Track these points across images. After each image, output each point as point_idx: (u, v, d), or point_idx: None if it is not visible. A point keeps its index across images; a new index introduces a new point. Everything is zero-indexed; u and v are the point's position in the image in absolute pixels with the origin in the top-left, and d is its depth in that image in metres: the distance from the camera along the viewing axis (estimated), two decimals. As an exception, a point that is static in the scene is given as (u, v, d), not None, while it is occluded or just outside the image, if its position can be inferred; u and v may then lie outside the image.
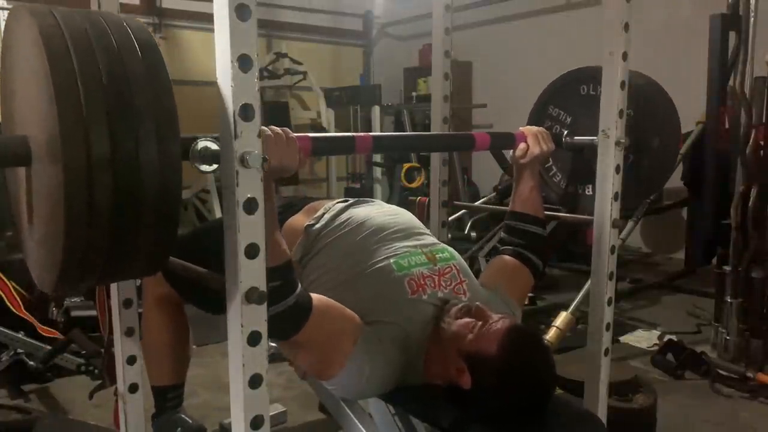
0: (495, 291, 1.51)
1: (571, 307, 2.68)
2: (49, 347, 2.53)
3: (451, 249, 1.55)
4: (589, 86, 1.94)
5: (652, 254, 5.23)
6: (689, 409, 2.51)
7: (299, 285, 1.17)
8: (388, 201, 4.82)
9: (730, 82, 3.09)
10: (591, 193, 1.54)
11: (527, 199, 1.63)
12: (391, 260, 1.40)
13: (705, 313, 3.53)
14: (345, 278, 1.38)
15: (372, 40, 7.33)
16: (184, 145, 0.91)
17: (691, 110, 3.56)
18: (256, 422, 0.93)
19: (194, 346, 1.84)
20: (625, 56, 1.45)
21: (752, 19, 2.94)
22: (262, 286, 0.90)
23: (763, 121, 2.80)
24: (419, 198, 3.83)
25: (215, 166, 0.93)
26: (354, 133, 1.29)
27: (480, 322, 1.26)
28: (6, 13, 4.57)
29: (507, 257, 1.60)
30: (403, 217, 1.57)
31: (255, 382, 0.91)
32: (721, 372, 2.72)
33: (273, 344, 1.90)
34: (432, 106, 2.00)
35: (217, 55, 0.86)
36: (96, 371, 2.46)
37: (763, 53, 2.83)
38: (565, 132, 1.69)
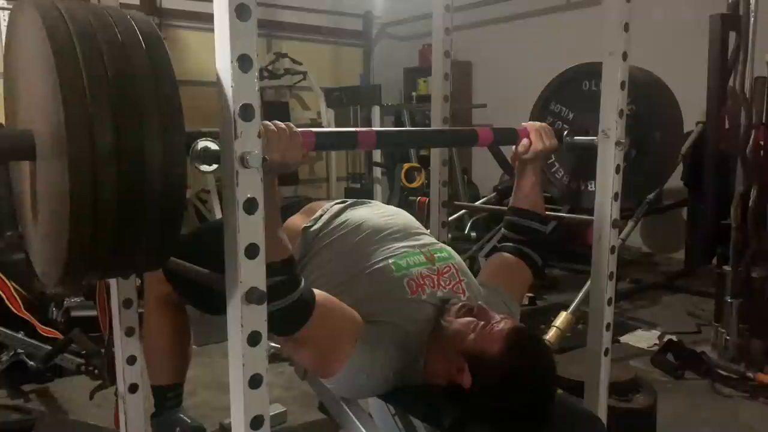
0: (494, 290, 1.51)
1: (571, 307, 2.69)
2: (49, 347, 2.53)
3: (449, 248, 1.55)
4: (591, 82, 1.94)
5: (652, 254, 5.23)
6: (689, 409, 2.51)
7: (303, 281, 1.17)
8: (388, 201, 4.83)
9: (730, 82, 3.09)
10: (594, 189, 1.54)
11: (528, 195, 1.62)
12: (390, 260, 1.40)
13: (705, 313, 3.53)
14: (344, 279, 1.38)
15: (372, 40, 7.33)
16: (189, 139, 0.91)
17: (691, 110, 3.56)
18: (256, 422, 0.93)
19: (194, 346, 1.84)
20: (625, 56, 1.45)
21: (752, 19, 2.94)
22: (262, 286, 0.90)
23: (763, 121, 2.80)
24: (419, 198, 3.83)
25: (215, 166, 0.93)
26: (357, 128, 1.29)
27: (482, 322, 1.26)
28: (6, 13, 4.57)
29: (506, 254, 1.60)
30: (402, 217, 1.57)
31: (255, 382, 0.91)
32: (721, 372, 2.72)
33: (273, 344, 1.90)
34: (432, 106, 2.00)
35: (217, 55, 0.86)
36: (96, 371, 2.46)
37: (763, 53, 2.84)
38: (566, 132, 1.69)
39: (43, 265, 1.04)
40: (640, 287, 4.30)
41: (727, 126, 3.20)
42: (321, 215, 1.55)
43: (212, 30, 0.87)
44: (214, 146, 0.92)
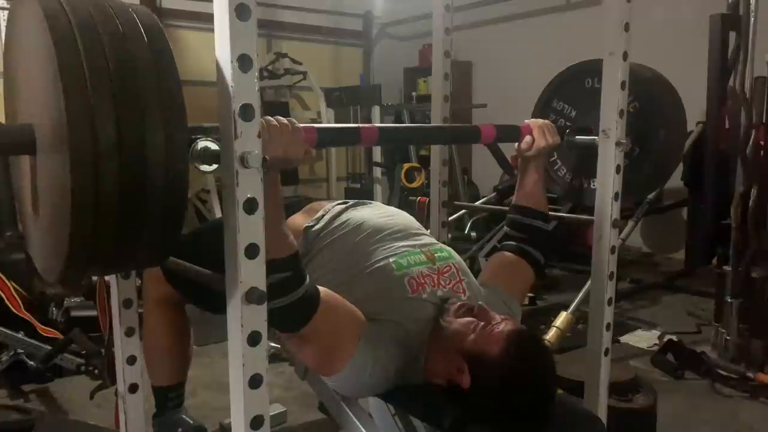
0: (494, 289, 1.51)
1: (571, 307, 2.69)
2: (49, 347, 2.53)
3: (449, 248, 1.55)
4: (594, 79, 1.93)
5: (652, 254, 5.23)
6: (689, 409, 2.51)
7: (308, 277, 1.17)
8: (389, 201, 4.83)
9: (730, 82, 3.09)
10: (595, 186, 1.54)
11: (531, 193, 1.62)
12: (391, 260, 1.40)
13: (705, 313, 3.53)
14: (344, 278, 1.38)
15: (372, 40, 7.32)
16: (190, 133, 0.91)
17: (691, 110, 3.55)
18: (256, 422, 0.93)
19: (194, 346, 1.84)
20: (625, 56, 1.45)
21: (752, 19, 2.93)
22: (262, 286, 0.90)
23: (763, 121, 2.80)
24: (419, 198, 3.83)
25: (215, 166, 0.92)
26: (359, 124, 1.29)
27: (482, 323, 1.26)
28: (6, 13, 4.57)
29: (507, 253, 1.60)
30: (402, 218, 1.57)
31: (255, 382, 0.91)
32: (721, 372, 2.72)
33: (273, 344, 1.90)
34: (432, 106, 2.00)
35: (217, 55, 0.86)
36: (96, 371, 2.46)
37: (763, 53, 2.84)
38: (567, 131, 1.68)
39: (43, 261, 1.03)
40: (640, 287, 4.30)
41: (727, 126, 3.20)
42: (323, 215, 1.55)
43: (212, 30, 0.87)
44: (214, 146, 0.92)
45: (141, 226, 0.89)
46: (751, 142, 2.78)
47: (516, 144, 1.58)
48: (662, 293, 4.20)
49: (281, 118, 1.06)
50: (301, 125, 1.10)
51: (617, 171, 1.48)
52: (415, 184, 4.28)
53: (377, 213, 1.56)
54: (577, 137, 1.66)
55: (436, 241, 1.57)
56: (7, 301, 2.73)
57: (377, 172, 5.50)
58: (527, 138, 1.55)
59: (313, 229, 1.51)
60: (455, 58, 2.11)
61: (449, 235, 2.11)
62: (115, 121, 0.82)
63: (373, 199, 4.82)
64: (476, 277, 1.57)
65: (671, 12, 4.74)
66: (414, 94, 6.45)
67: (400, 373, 1.30)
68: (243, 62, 0.84)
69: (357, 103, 5.81)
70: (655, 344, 3.13)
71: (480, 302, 1.34)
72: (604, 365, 1.54)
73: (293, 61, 5.99)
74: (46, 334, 2.68)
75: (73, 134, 0.80)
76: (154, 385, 1.74)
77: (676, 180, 3.74)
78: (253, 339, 0.90)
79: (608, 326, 1.54)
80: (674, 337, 3.10)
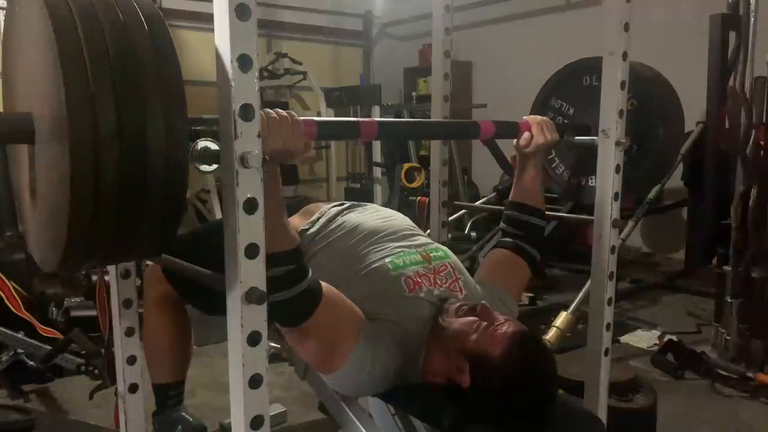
0: (492, 288, 1.51)
1: (571, 307, 2.69)
2: (49, 347, 2.53)
3: (445, 248, 1.55)
4: (592, 77, 1.92)
5: (652, 254, 5.23)
6: (689, 409, 2.51)
7: (310, 271, 1.17)
8: (389, 201, 4.83)
9: (730, 82, 3.09)
10: (594, 184, 1.53)
11: (528, 189, 1.62)
12: (387, 260, 1.40)
13: (705, 313, 3.53)
14: (341, 281, 1.38)
15: (372, 40, 7.33)
16: (191, 124, 0.90)
17: (691, 110, 3.56)
18: (256, 422, 0.93)
19: (194, 346, 1.84)
20: (625, 56, 1.45)
21: (752, 19, 2.94)
22: (262, 286, 0.90)
23: (763, 121, 2.80)
24: (419, 198, 3.83)
25: (215, 166, 0.92)
26: (359, 119, 1.29)
27: (484, 323, 1.26)
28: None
29: (503, 250, 1.60)
30: (397, 219, 1.58)
31: (255, 382, 0.91)
32: (721, 372, 2.72)
33: (273, 344, 1.90)
34: (432, 106, 2.00)
35: (217, 55, 0.86)
36: (96, 371, 2.46)
37: (763, 53, 2.84)
38: (565, 129, 1.68)
39: (42, 251, 1.02)
40: (640, 287, 4.30)
41: (727, 126, 3.21)
42: (318, 218, 1.56)
43: (212, 30, 0.87)
44: (214, 146, 0.92)
45: (141, 215, 0.88)
46: (751, 142, 2.78)
47: (515, 141, 1.58)
48: (662, 293, 4.20)
49: (281, 110, 1.06)
50: (301, 118, 1.10)
51: (617, 171, 1.48)
52: (415, 184, 4.29)
53: (373, 215, 1.56)
54: (576, 138, 1.66)
55: (431, 241, 1.57)
56: (7, 301, 2.73)
57: (377, 172, 5.50)
58: (526, 134, 1.55)
59: (309, 232, 1.51)
60: (455, 58, 2.11)
61: (449, 235, 2.11)
62: (115, 109, 0.82)
63: (373, 199, 4.85)
64: (474, 276, 1.57)
65: (671, 12, 4.74)
66: (414, 94, 6.45)
67: (398, 373, 1.30)
68: (243, 62, 0.84)
69: (357, 103, 5.82)
70: (655, 344, 3.14)
71: (483, 302, 1.34)
72: (604, 365, 1.54)
73: (293, 61, 6.00)
74: (46, 334, 2.68)
75: (73, 121, 0.80)
76: (154, 383, 1.74)
77: (676, 180, 3.74)
78: (253, 339, 0.90)
79: (608, 326, 1.54)
80: (674, 337, 3.10)
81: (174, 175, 0.88)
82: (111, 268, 1.56)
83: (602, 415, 1.54)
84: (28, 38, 0.95)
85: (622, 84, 1.45)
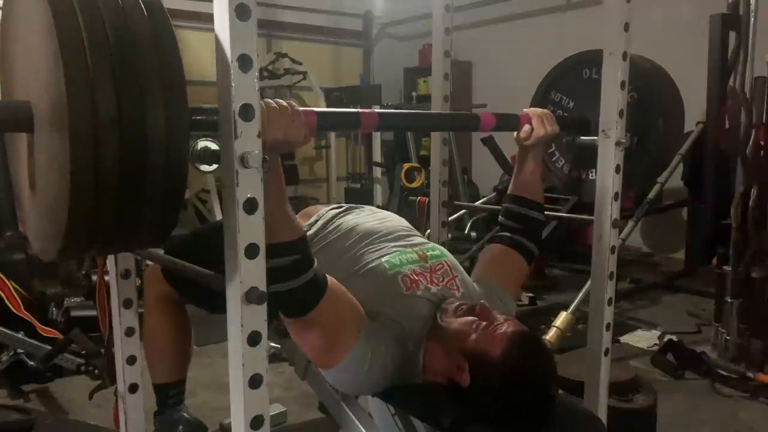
0: (490, 286, 1.50)
1: (571, 307, 2.69)
2: (49, 347, 2.53)
3: (441, 247, 1.56)
4: (592, 70, 1.91)
5: (652, 254, 5.23)
6: (689, 409, 2.51)
7: (316, 261, 1.17)
8: (389, 201, 4.83)
9: (730, 82, 3.09)
10: (594, 177, 1.53)
11: (528, 182, 1.61)
12: (383, 259, 1.41)
13: (705, 313, 3.53)
14: (339, 281, 1.38)
15: (372, 40, 7.33)
16: (191, 113, 0.90)
17: (691, 110, 3.56)
18: (256, 422, 0.93)
19: (194, 346, 1.84)
20: (625, 56, 1.45)
21: (752, 19, 2.94)
22: (262, 286, 0.90)
23: (763, 121, 2.80)
24: (419, 198, 3.82)
25: (215, 166, 0.92)
26: (359, 110, 1.28)
27: (484, 323, 1.26)
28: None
29: (501, 245, 1.59)
30: (393, 221, 1.58)
31: (255, 382, 0.91)
32: (721, 372, 2.72)
33: (273, 344, 1.90)
34: (432, 106, 2.00)
35: (217, 55, 0.86)
36: (96, 371, 2.46)
37: (763, 53, 2.84)
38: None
39: (41, 240, 1.01)
40: (640, 287, 4.30)
41: (727, 126, 3.21)
42: (316, 221, 1.57)
43: (212, 30, 0.86)
44: (214, 146, 0.92)
45: (141, 204, 0.88)
46: (751, 142, 2.78)
47: (515, 133, 1.57)
48: (662, 293, 4.20)
49: (280, 100, 1.06)
50: (301, 109, 1.09)
51: (617, 171, 1.48)
52: (415, 184, 4.28)
53: (369, 217, 1.57)
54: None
55: (427, 241, 1.57)
56: (7, 301, 2.73)
57: (377, 172, 5.50)
58: (526, 127, 1.54)
59: (307, 234, 1.51)
60: (455, 58, 2.10)
61: (449, 235, 2.11)
62: (115, 96, 0.81)
63: (373, 199, 4.85)
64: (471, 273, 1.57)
65: (671, 12, 4.74)
66: (414, 94, 6.45)
67: (398, 371, 1.30)
68: (243, 62, 0.84)
69: (357, 103, 5.81)
70: (655, 344, 3.14)
71: (483, 301, 1.34)
72: (604, 365, 1.54)
73: (293, 61, 6.00)
74: (46, 334, 2.68)
75: (73, 109, 0.79)
76: (155, 383, 1.74)
77: (676, 180, 3.74)
78: (253, 339, 0.90)
79: (608, 326, 1.54)
80: (674, 337, 3.10)
81: (174, 162, 0.87)
82: (111, 268, 1.56)
83: (602, 415, 1.54)
84: (27, 25, 0.94)
85: (622, 84, 1.45)
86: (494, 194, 4.07)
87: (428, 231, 2.13)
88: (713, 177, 3.36)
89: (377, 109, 1.33)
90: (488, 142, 4.13)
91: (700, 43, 3.35)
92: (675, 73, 3.31)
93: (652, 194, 3.48)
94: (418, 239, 1.54)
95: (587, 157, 1.65)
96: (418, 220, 3.67)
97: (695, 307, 3.76)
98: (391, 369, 1.29)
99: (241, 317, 0.89)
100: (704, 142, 3.48)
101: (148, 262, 1.72)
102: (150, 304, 1.70)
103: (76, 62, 0.80)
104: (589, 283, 1.64)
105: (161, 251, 1.37)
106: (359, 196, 5.57)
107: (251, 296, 0.89)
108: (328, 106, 5.80)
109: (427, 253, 1.47)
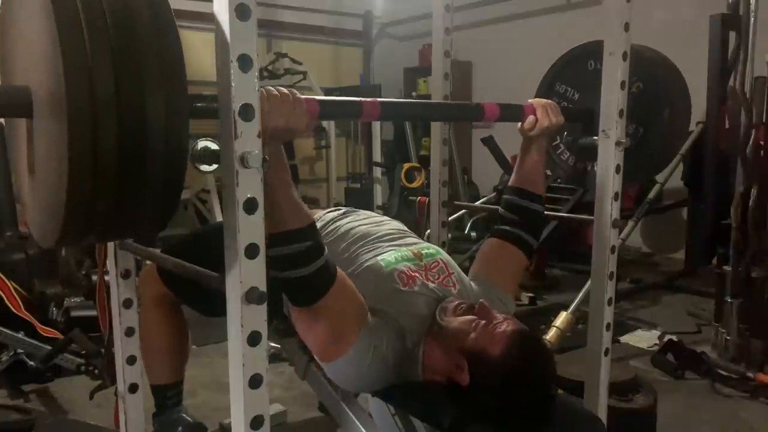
0: (487, 284, 1.50)
1: (571, 307, 2.69)
2: (49, 347, 2.53)
3: (436, 246, 1.56)
4: (597, 61, 1.88)
5: (652, 254, 5.23)
6: (689, 409, 2.51)
7: (326, 248, 1.17)
8: (389, 201, 4.83)
9: (730, 82, 3.09)
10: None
11: (530, 174, 1.60)
12: (379, 258, 1.41)
13: (705, 313, 3.53)
14: None
15: (372, 40, 7.33)
16: (190, 100, 0.89)
17: (691, 110, 3.55)
18: (256, 422, 0.93)
19: (194, 346, 1.84)
20: (625, 56, 1.45)
21: (752, 19, 2.94)
22: (262, 286, 0.90)
23: (763, 121, 2.80)
24: (419, 198, 3.82)
25: (215, 166, 0.92)
26: (361, 99, 1.27)
27: (483, 321, 1.26)
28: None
29: (498, 240, 1.58)
30: (389, 224, 1.59)
31: (255, 382, 0.91)
32: (721, 372, 2.72)
33: (273, 344, 1.90)
34: (432, 106, 2.00)
35: (217, 55, 0.86)
36: (96, 371, 2.46)
37: (763, 53, 2.84)
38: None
39: (40, 227, 1.01)
40: (640, 287, 4.31)
41: (727, 126, 3.21)
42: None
43: (212, 30, 0.86)
44: (214, 146, 0.92)
45: (139, 189, 0.87)
46: (751, 142, 2.78)
47: (518, 124, 1.56)
48: (662, 293, 4.20)
49: (282, 88, 1.05)
50: (303, 97, 1.08)
51: (617, 171, 1.48)
52: (415, 184, 4.28)
53: (365, 220, 1.57)
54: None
55: (421, 241, 1.57)
56: (7, 301, 2.73)
57: (377, 172, 5.49)
58: (530, 117, 1.53)
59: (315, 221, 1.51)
60: (455, 58, 2.10)
61: (449, 235, 2.11)
62: (113, 79, 0.81)
63: (373, 199, 4.84)
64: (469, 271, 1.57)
65: (671, 12, 4.74)
66: (414, 94, 6.46)
67: (397, 369, 1.30)
68: (243, 62, 0.84)
69: (357, 103, 5.82)
70: (655, 344, 3.14)
71: (482, 300, 1.34)
72: (604, 365, 1.54)
73: (293, 61, 6.00)
74: (46, 334, 2.68)
75: (71, 91, 0.79)
76: (153, 384, 1.73)
77: (676, 180, 3.74)
78: (253, 339, 0.90)
79: (608, 326, 1.54)
80: (674, 337, 3.10)
81: (173, 147, 0.86)
82: (111, 268, 1.56)
83: (602, 415, 1.54)
84: (25, 9, 0.94)
85: (622, 84, 1.45)
86: (494, 194, 4.07)
87: (428, 231, 2.13)
88: (713, 177, 3.37)
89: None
90: (488, 142, 4.13)
91: (700, 43, 3.35)
92: (675, 73, 3.31)
93: (652, 194, 3.48)
94: (412, 239, 1.55)
95: (592, 148, 1.64)
96: (418, 220, 3.67)
97: (695, 307, 3.76)
98: (391, 364, 1.29)
99: (241, 317, 0.89)
100: (704, 142, 3.48)
101: (147, 262, 1.72)
102: (146, 305, 1.70)
103: (74, 45, 0.79)
104: (589, 283, 1.63)
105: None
106: (359, 196, 5.57)
107: (251, 296, 0.89)
108: (328, 106, 5.79)
109: (422, 252, 1.47)
